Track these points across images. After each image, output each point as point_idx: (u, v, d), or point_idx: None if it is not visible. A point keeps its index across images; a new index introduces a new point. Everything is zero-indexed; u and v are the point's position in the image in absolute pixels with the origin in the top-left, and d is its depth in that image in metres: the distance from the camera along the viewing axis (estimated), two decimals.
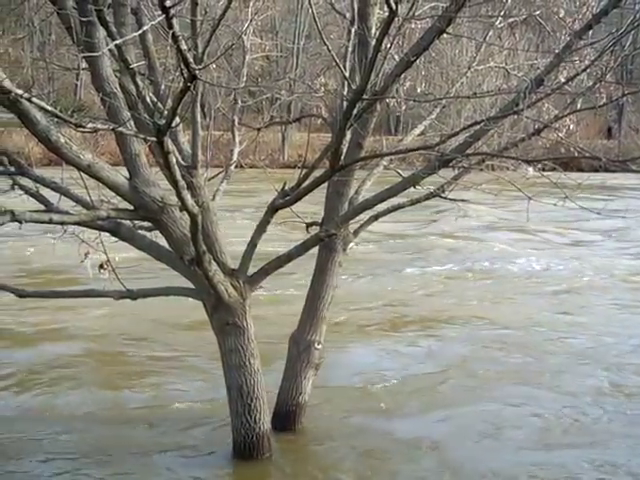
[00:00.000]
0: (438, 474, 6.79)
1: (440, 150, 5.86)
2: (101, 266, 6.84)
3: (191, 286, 6.57)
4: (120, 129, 4.98)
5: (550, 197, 6.18)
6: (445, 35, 5.52)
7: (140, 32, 5.27)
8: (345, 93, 6.39)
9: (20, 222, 5.20)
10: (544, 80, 5.49)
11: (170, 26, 3.85)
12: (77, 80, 39.51)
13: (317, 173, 6.22)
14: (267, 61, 36.21)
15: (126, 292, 6.50)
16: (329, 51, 5.32)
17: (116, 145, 6.13)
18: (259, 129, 8.76)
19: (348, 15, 7.17)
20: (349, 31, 6.96)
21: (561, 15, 7.25)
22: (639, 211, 22.69)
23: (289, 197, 6.43)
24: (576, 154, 6.47)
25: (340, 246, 7.15)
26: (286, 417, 7.29)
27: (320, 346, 7.27)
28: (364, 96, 5.04)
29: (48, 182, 6.22)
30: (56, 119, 4.72)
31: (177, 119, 4.84)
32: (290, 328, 7.45)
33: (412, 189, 6.37)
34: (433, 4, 7.14)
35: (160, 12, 4.01)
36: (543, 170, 6.27)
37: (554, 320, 12.00)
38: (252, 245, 6.67)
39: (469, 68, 8.00)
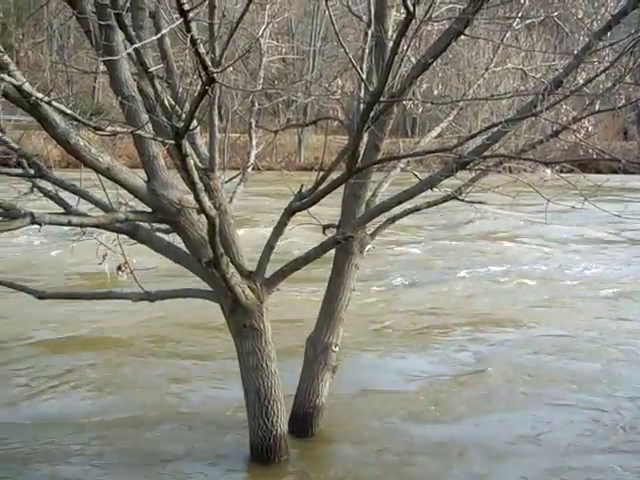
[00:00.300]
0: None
1: (457, 152, 5.83)
2: (119, 268, 6.88)
3: (208, 288, 6.59)
4: (138, 132, 5.01)
5: (568, 199, 6.15)
6: (462, 37, 5.50)
7: (159, 36, 5.30)
8: (362, 95, 6.39)
9: (40, 224, 5.24)
10: (563, 82, 5.45)
11: (188, 29, 3.87)
12: (95, 83, 39.83)
13: (334, 175, 6.24)
14: (283, 64, 36.26)
15: (144, 294, 6.52)
16: (346, 53, 5.32)
17: (134, 148, 6.17)
18: (276, 131, 8.76)
19: (365, 17, 7.16)
20: (366, 33, 6.95)
21: (579, 16, 7.20)
22: None
23: (306, 199, 6.44)
24: (595, 156, 6.42)
25: (357, 248, 7.15)
26: (303, 420, 7.29)
27: (337, 348, 7.26)
28: (381, 98, 5.04)
29: (67, 185, 6.26)
30: (75, 122, 4.76)
31: (195, 122, 4.86)
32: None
33: (429, 191, 6.37)
34: (450, 6, 7.12)
35: (178, 15, 4.03)
36: (561, 172, 6.24)
37: (609, 325, 11.73)
38: (269, 247, 6.67)
39: (486, 70, 7.97)
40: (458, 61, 9.42)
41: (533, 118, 5.76)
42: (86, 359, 9.68)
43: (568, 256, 17.81)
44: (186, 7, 3.73)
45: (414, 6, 4.30)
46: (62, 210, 6.13)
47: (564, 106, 7.31)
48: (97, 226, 5.94)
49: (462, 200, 6.40)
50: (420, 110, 9.71)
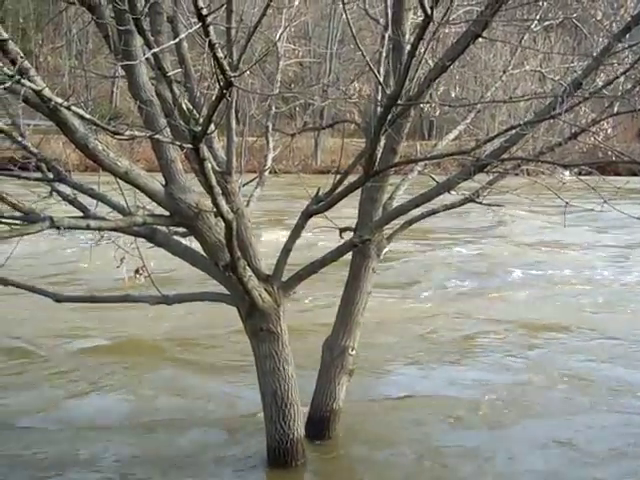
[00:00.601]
0: None
1: (475, 155, 5.81)
2: (137, 271, 6.93)
3: (225, 292, 6.60)
4: (157, 136, 5.03)
5: (587, 202, 6.10)
6: (480, 39, 5.47)
7: (177, 40, 5.32)
8: (379, 98, 6.38)
9: (59, 228, 5.27)
10: (582, 84, 5.41)
11: (207, 34, 3.88)
12: (113, 88, 40.11)
13: (351, 178, 6.23)
14: (300, 67, 36.33)
15: (162, 297, 6.54)
16: (364, 56, 5.32)
17: (151, 152, 6.20)
18: (293, 135, 8.78)
19: (382, 20, 7.15)
20: (383, 36, 6.94)
21: (598, 17, 7.15)
22: None
23: (323, 203, 6.44)
24: (614, 158, 6.37)
25: (374, 252, 7.13)
26: (320, 423, 7.28)
27: (354, 352, 7.24)
28: (399, 101, 5.03)
29: (85, 189, 6.30)
30: (94, 126, 4.79)
31: (212, 126, 4.87)
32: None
33: (446, 194, 6.34)
34: (467, 8, 7.10)
35: (196, 20, 4.05)
36: (579, 174, 6.19)
37: None
38: (286, 251, 6.68)
39: (504, 72, 7.93)
40: (475, 63, 9.38)
41: (551, 120, 5.73)
42: (117, 363, 9.73)
43: (609, 260, 17.57)
44: (204, 12, 3.74)
45: (432, 9, 4.28)
46: (80, 214, 6.19)
47: (583, 108, 7.25)
48: (115, 230, 5.98)
49: (480, 203, 6.37)
50: (437, 113, 9.69)
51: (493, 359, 10.24)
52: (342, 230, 7.07)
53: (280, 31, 7.82)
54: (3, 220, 5.29)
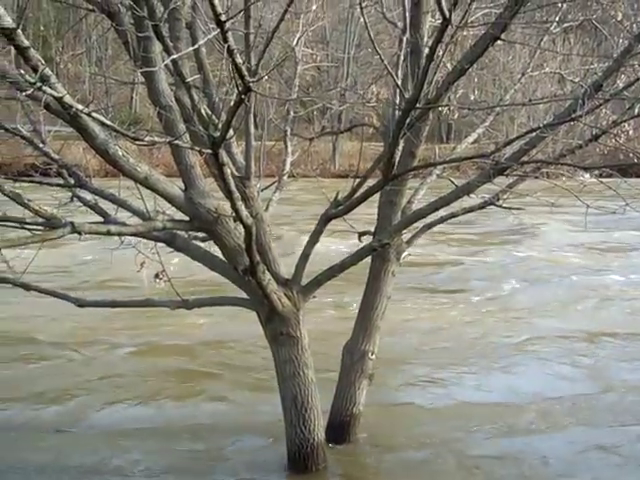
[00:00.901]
0: None
1: (495, 158, 5.78)
2: (157, 276, 6.95)
3: (245, 296, 6.61)
4: (176, 142, 5.05)
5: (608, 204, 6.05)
6: (498, 42, 5.45)
7: (196, 46, 5.35)
8: (398, 102, 6.37)
9: (80, 233, 5.32)
10: (602, 85, 5.37)
11: (225, 40, 3.89)
12: (133, 94, 40.40)
13: (369, 182, 6.22)
14: (318, 71, 36.37)
15: (182, 302, 6.57)
16: (382, 60, 5.31)
17: (170, 157, 6.23)
18: (311, 139, 8.79)
19: (400, 24, 7.14)
20: (400, 40, 6.93)
21: (618, 18, 7.09)
22: None
23: (342, 207, 6.44)
24: (636, 160, 6.31)
25: (393, 255, 7.11)
26: (340, 428, 7.26)
27: (374, 356, 7.23)
28: (417, 105, 5.01)
29: (106, 194, 6.35)
30: (114, 132, 4.82)
31: (231, 131, 4.89)
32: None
33: (465, 197, 6.31)
34: (486, 11, 7.07)
35: (214, 26, 4.06)
36: (600, 176, 6.14)
37: None
38: (305, 255, 6.68)
39: (523, 74, 7.90)
40: (494, 66, 9.35)
41: (571, 123, 5.69)
42: (150, 368, 9.80)
43: None
44: (223, 18, 3.75)
45: (450, 12, 4.27)
46: (101, 219, 6.23)
47: (604, 110, 7.20)
48: (135, 235, 6.01)
49: (499, 206, 6.34)
50: (456, 116, 9.66)
51: (544, 365, 10.08)
52: (361, 234, 7.07)
53: (298, 36, 7.84)
54: (26, 226, 5.34)
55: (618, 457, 7.23)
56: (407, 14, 6.73)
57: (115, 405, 8.54)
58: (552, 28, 7.39)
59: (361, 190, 6.26)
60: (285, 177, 7.62)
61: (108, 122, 4.29)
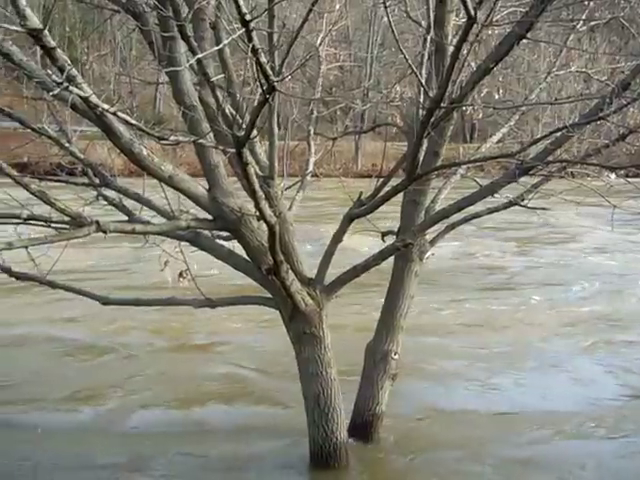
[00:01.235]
0: None
1: (520, 158, 5.73)
2: (180, 274, 6.98)
3: (268, 295, 6.63)
4: (201, 141, 5.08)
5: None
6: (523, 40, 5.40)
7: (221, 46, 5.36)
8: (422, 101, 6.34)
9: (105, 232, 5.36)
10: (630, 84, 5.31)
11: (250, 39, 3.90)
12: (157, 94, 40.65)
13: (392, 182, 6.21)
14: (341, 71, 36.34)
15: (206, 301, 6.61)
16: (406, 59, 5.28)
17: (194, 156, 6.26)
18: (334, 139, 8.77)
19: (424, 23, 7.11)
20: (424, 39, 6.89)
21: None
22: None
23: (365, 206, 6.43)
24: None
25: (416, 255, 7.09)
26: (363, 427, 7.26)
27: (397, 356, 7.21)
28: (442, 104, 4.99)
29: (130, 193, 6.41)
30: (139, 132, 4.85)
31: (255, 130, 4.90)
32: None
33: (489, 197, 6.28)
34: (511, 9, 7.01)
35: (238, 25, 4.07)
36: (627, 176, 6.07)
37: None
38: (328, 254, 6.69)
39: (549, 73, 7.82)
40: (519, 65, 9.28)
41: (597, 122, 5.63)
42: (180, 368, 9.82)
43: None
44: (248, 17, 3.76)
45: (475, 10, 4.24)
46: (125, 218, 6.28)
47: (631, 109, 7.12)
48: (160, 234, 6.05)
49: (524, 207, 6.29)
50: (480, 115, 9.60)
51: (606, 371, 9.92)
52: (384, 234, 7.05)
53: (321, 35, 7.84)
54: (52, 224, 5.40)
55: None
56: (431, 13, 6.69)
57: (149, 406, 8.58)
58: (578, 26, 7.31)
59: (384, 190, 6.24)
60: (308, 177, 7.63)
61: (134, 121, 4.32)
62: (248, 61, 4.66)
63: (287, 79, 6.77)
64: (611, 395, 9.02)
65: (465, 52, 4.94)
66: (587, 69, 7.84)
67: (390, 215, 7.27)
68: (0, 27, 4.18)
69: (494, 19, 5.60)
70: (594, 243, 19.93)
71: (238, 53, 8.18)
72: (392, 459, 7.27)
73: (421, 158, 5.64)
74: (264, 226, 5.73)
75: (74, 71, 4.43)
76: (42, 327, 11.34)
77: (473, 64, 6.39)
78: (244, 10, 3.77)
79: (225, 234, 6.61)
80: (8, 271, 6.04)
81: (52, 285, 6.41)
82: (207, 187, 6.04)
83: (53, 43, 4.19)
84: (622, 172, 6.23)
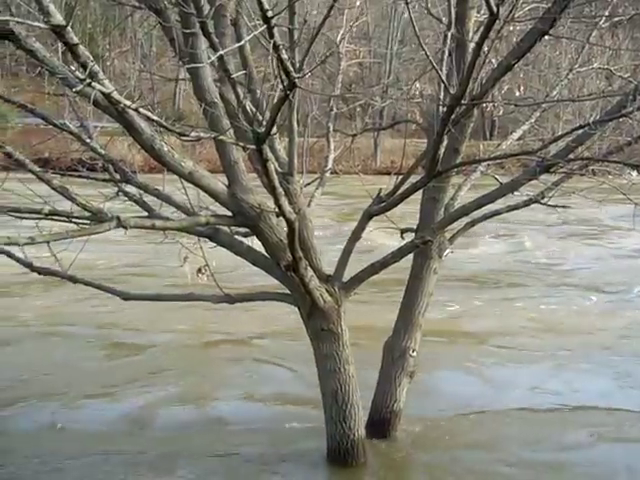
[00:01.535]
0: None
1: (541, 155, 5.70)
2: (199, 270, 7.01)
3: (287, 291, 6.64)
4: (221, 137, 5.09)
5: None
6: (545, 37, 5.36)
7: (243, 42, 5.38)
8: (442, 98, 6.32)
9: (125, 228, 5.39)
10: None
11: (271, 36, 3.90)
12: (177, 90, 40.78)
13: (411, 179, 6.19)
14: (360, 67, 36.27)
15: (224, 297, 6.63)
16: (427, 56, 5.26)
17: (214, 153, 6.29)
18: (354, 135, 8.76)
19: (444, 19, 7.08)
20: (445, 35, 6.87)
21: None
22: None
23: (384, 203, 6.41)
24: None
25: (435, 253, 7.07)
26: (380, 424, 7.25)
27: (415, 353, 7.19)
28: (462, 101, 4.97)
29: (151, 189, 6.45)
30: (160, 128, 4.88)
31: (275, 127, 4.90)
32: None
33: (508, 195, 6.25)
34: (533, 5, 6.97)
35: (259, 22, 4.08)
36: None
37: None
38: (347, 251, 6.68)
39: (570, 70, 7.76)
40: (540, 62, 9.21)
41: (619, 119, 5.58)
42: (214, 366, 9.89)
43: None
44: (270, 14, 3.76)
45: (498, 6, 4.21)
46: (145, 214, 6.32)
47: None
48: (179, 229, 6.08)
49: (545, 204, 6.26)
50: (501, 112, 9.55)
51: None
52: (403, 231, 7.04)
53: (341, 32, 7.83)
54: (73, 220, 5.45)
55: None
56: (452, 9, 6.66)
57: (174, 403, 8.61)
58: (601, 23, 7.25)
59: (404, 187, 6.23)
60: (327, 173, 7.63)
61: (155, 117, 4.34)
62: (269, 58, 4.66)
63: (307, 76, 6.78)
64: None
65: (486, 49, 4.92)
66: (609, 66, 7.76)
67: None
68: (24, 24, 4.22)
69: (516, 15, 5.56)
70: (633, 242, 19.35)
71: (258, 50, 8.20)
72: (410, 457, 7.27)
73: (441, 155, 5.62)
74: (283, 222, 5.74)
75: (96, 67, 4.46)
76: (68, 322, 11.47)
77: (494, 61, 6.36)
78: (266, 6, 3.78)
79: (244, 230, 6.62)
80: (29, 266, 6.09)
81: (73, 280, 6.46)
82: (227, 183, 6.06)
83: (76, 39, 4.22)
84: None
